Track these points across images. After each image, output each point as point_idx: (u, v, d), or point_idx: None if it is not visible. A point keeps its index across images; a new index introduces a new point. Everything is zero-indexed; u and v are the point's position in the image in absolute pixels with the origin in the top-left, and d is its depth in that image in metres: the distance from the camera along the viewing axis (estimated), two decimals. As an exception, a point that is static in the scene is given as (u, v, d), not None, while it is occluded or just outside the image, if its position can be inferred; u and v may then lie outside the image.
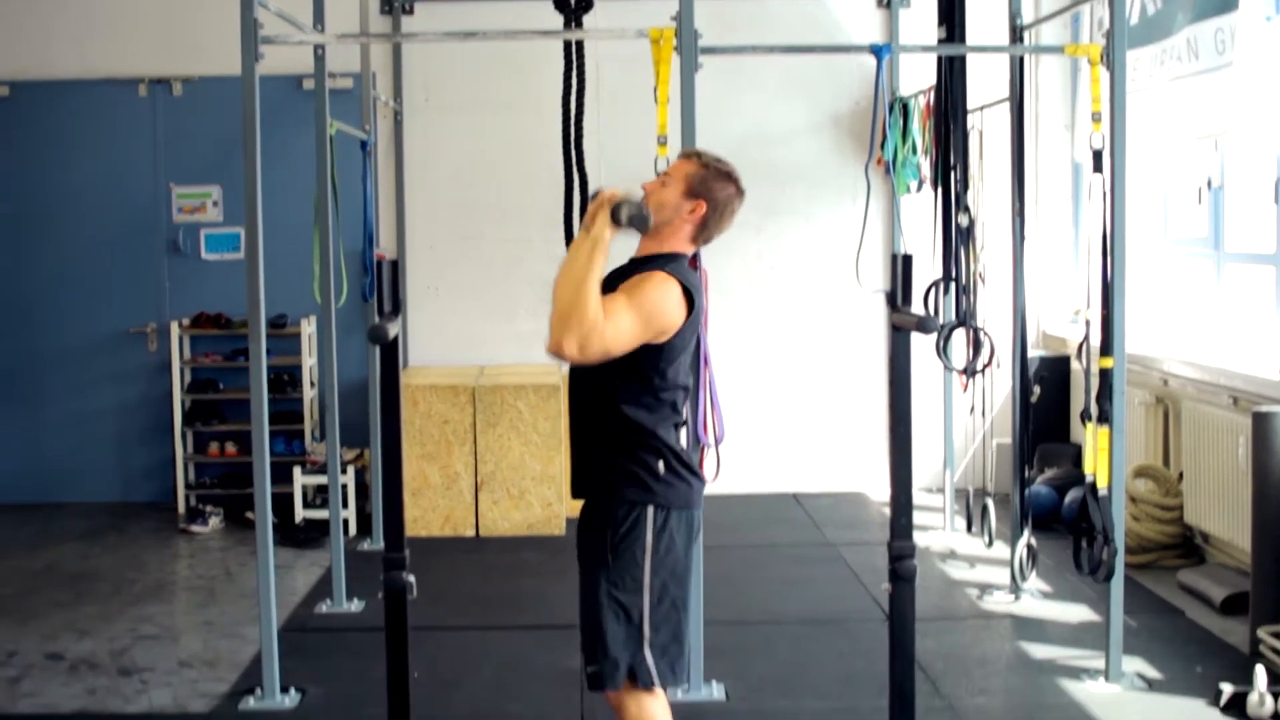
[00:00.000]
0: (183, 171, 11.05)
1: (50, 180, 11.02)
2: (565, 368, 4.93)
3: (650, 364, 4.55)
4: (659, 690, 4.69)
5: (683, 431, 4.76)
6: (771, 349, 11.23)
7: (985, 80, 8.95)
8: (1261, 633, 6.94)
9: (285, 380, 10.72)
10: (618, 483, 4.63)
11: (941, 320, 8.53)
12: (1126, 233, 6.67)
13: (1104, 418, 6.69)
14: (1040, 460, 10.21)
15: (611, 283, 4.58)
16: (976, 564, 8.95)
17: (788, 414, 11.26)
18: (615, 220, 4.39)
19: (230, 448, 10.82)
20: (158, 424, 10.99)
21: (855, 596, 8.35)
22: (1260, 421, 7.10)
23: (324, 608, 8.18)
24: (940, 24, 8.43)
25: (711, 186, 4.72)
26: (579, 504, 4.86)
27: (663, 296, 4.50)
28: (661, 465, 4.62)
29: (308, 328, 10.72)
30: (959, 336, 8.46)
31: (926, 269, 8.55)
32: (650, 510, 4.60)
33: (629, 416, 4.59)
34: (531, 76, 10.53)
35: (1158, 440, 9.14)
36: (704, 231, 4.75)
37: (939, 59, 8.62)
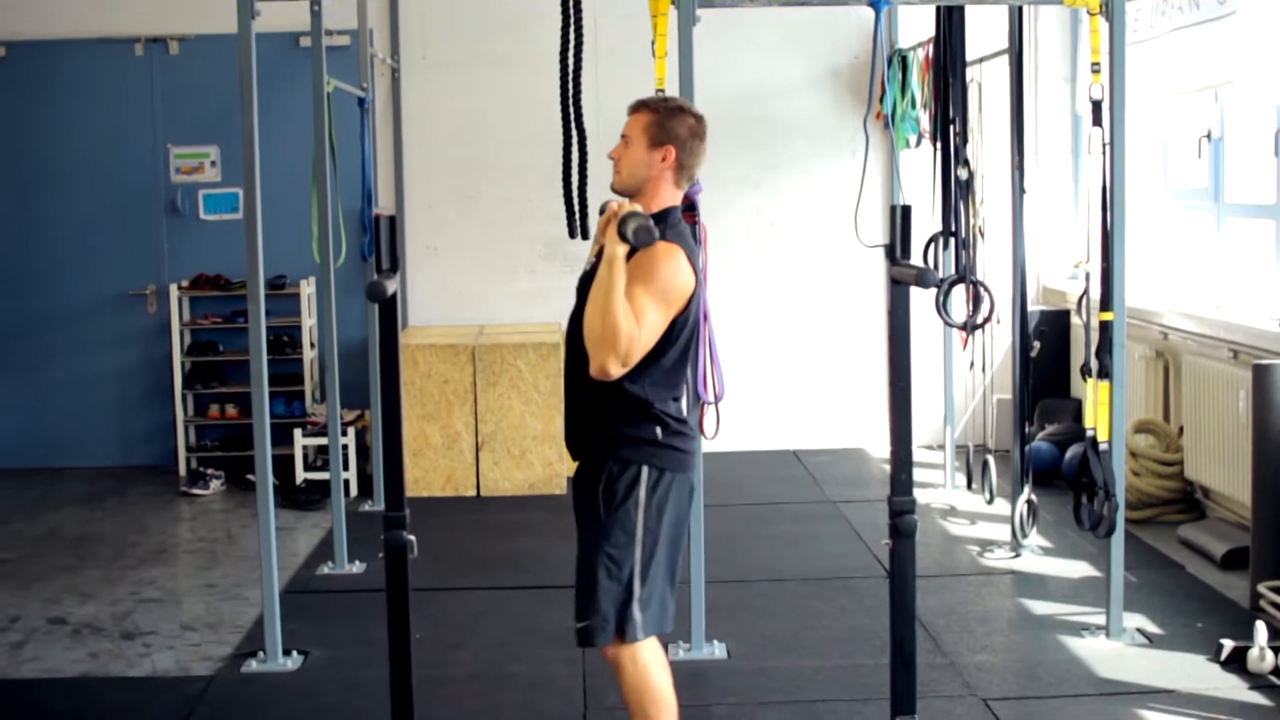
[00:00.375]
0: (180, 132, 11.00)
1: (47, 142, 10.97)
2: (565, 323, 4.93)
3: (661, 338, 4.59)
4: (651, 640, 4.74)
5: (683, 401, 4.77)
6: (771, 304, 11.20)
7: (984, 32, 8.90)
8: (1262, 588, 6.94)
9: (285, 341, 10.70)
10: (615, 443, 4.66)
11: (941, 275, 8.50)
12: (1126, 186, 6.63)
13: (1104, 372, 6.67)
14: (1041, 416, 10.19)
15: None
16: (977, 520, 8.95)
17: (787, 370, 11.24)
18: (623, 238, 4.39)
19: (231, 410, 10.81)
20: (158, 387, 10.97)
21: (856, 554, 8.35)
22: (1260, 374, 7.08)
23: (326, 569, 8.18)
24: (939, -24, 8.40)
25: (670, 127, 4.73)
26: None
27: (674, 272, 4.55)
28: (659, 430, 4.65)
29: (307, 288, 10.70)
30: (959, 291, 8.43)
31: (926, 223, 8.52)
32: (645, 470, 4.63)
33: (629, 389, 4.60)
34: (529, 32, 10.48)
35: (1158, 395, 9.13)
36: (682, 172, 4.78)
37: (938, 11, 8.58)
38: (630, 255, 4.46)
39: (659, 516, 4.65)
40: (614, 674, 4.81)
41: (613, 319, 4.35)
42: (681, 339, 4.66)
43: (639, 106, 4.83)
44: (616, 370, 4.41)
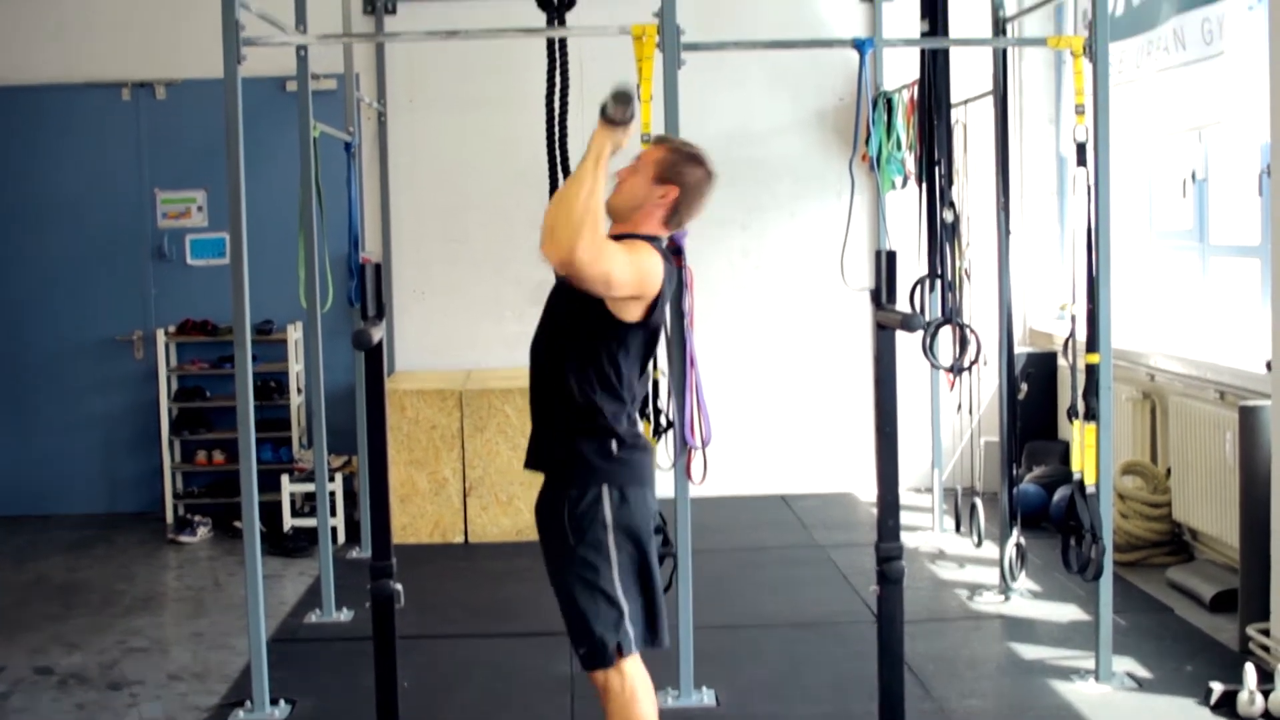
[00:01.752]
0: (167, 176, 11.00)
1: (33, 186, 10.97)
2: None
3: (613, 340, 4.66)
4: (638, 665, 4.77)
5: (635, 414, 4.85)
6: (757, 347, 11.20)
7: (969, 74, 8.93)
8: (1251, 630, 6.93)
9: (272, 387, 10.69)
10: (574, 465, 4.72)
11: (927, 317, 8.50)
12: (1111, 226, 6.64)
13: (1090, 415, 6.67)
14: (1028, 458, 10.19)
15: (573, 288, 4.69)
16: (965, 564, 8.93)
17: (775, 414, 11.23)
18: (604, 117, 4.45)
19: (218, 456, 10.78)
20: (145, 433, 10.95)
21: (845, 599, 8.32)
22: (1247, 416, 7.08)
23: (313, 617, 8.14)
24: (923, 17, 8.42)
25: (681, 170, 4.80)
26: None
27: (650, 256, 4.64)
28: (614, 444, 4.70)
29: (294, 333, 10.68)
30: (945, 334, 8.44)
31: (912, 265, 8.51)
32: (605, 489, 4.69)
33: (585, 396, 4.67)
34: (515, 75, 10.48)
35: (1145, 436, 9.12)
36: (675, 215, 4.84)
37: (922, 53, 8.60)
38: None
39: (627, 534, 4.71)
40: (600, 700, 4.82)
41: (593, 203, 4.41)
42: (634, 351, 4.71)
43: (662, 141, 5.01)
44: (582, 253, 4.38)
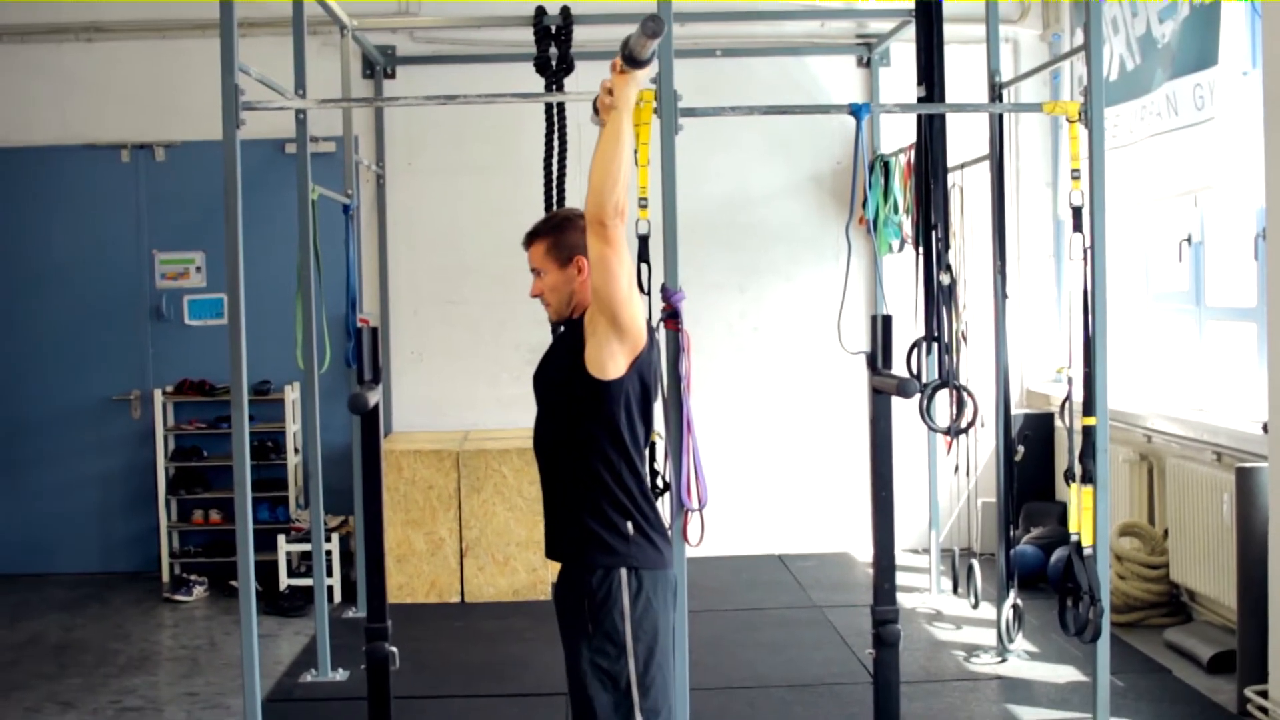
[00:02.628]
0: (166, 238, 11.03)
1: (32, 247, 11.00)
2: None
3: (606, 410, 4.57)
4: None
5: (648, 492, 4.74)
6: (755, 409, 11.21)
7: (966, 138, 8.98)
8: (1249, 692, 6.93)
9: (269, 447, 10.69)
10: (587, 547, 4.62)
11: (924, 380, 8.51)
12: (1108, 289, 6.66)
13: (1087, 477, 6.67)
14: (1026, 519, 10.18)
15: (553, 361, 4.79)
16: (963, 625, 8.92)
17: (772, 475, 11.23)
18: (631, 59, 4.43)
19: (214, 515, 10.77)
20: (141, 492, 10.93)
21: (842, 660, 8.31)
22: (1244, 477, 7.09)
23: (309, 677, 8.12)
24: (920, 83, 8.45)
25: (567, 241, 4.75)
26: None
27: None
28: (630, 526, 4.61)
29: (291, 394, 10.69)
30: (942, 396, 8.44)
31: (909, 328, 8.53)
32: (623, 573, 4.57)
33: (592, 477, 4.60)
34: (514, 138, 10.53)
35: (1142, 497, 9.12)
36: None
37: (919, 117, 8.62)
38: (569, 334, 4.56)
39: (645, 619, 4.59)
40: None
41: (624, 169, 4.44)
42: (634, 407, 4.63)
43: (529, 238, 4.86)
44: (612, 216, 4.39)
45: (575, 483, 4.64)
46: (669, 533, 4.79)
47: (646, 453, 4.77)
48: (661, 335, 5.86)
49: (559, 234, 4.76)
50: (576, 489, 4.64)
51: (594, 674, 4.56)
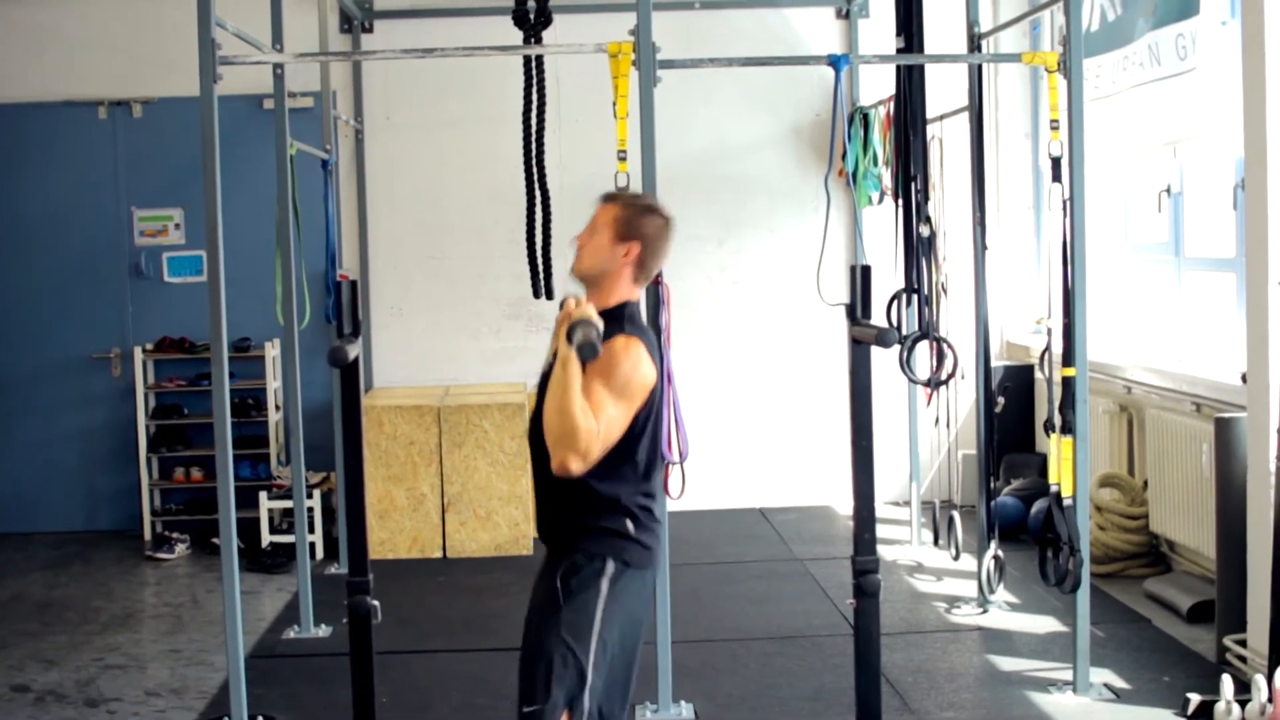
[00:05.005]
0: (144, 194, 11.00)
1: (10, 204, 10.96)
2: (532, 384, 4.89)
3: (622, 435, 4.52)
4: None
5: (655, 499, 4.71)
6: (735, 363, 11.22)
7: (945, 89, 8.95)
8: (1227, 641, 6.96)
9: (250, 404, 10.67)
10: (584, 535, 4.59)
11: (904, 332, 8.51)
12: (1087, 240, 6.68)
13: (1067, 428, 6.69)
14: (1006, 471, 10.20)
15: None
16: (944, 577, 8.95)
17: (753, 428, 11.25)
18: (569, 341, 4.33)
19: (196, 473, 10.77)
20: (122, 450, 10.92)
21: (823, 612, 8.34)
22: (1223, 428, 7.11)
23: (291, 633, 8.14)
24: (898, 34, 8.43)
25: (638, 225, 4.68)
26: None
27: (634, 365, 4.48)
28: (630, 524, 4.58)
29: (272, 350, 10.68)
30: (922, 348, 8.45)
31: (889, 280, 8.53)
32: (610, 563, 4.55)
33: (599, 487, 4.53)
34: (492, 92, 10.49)
35: (1122, 448, 9.15)
36: (643, 270, 4.70)
37: (898, 69, 8.61)
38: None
39: (618, 610, 4.57)
40: None
41: (571, 418, 4.27)
42: (647, 433, 4.58)
43: (611, 198, 4.80)
44: (578, 467, 4.31)
45: (576, 492, 4.55)
46: (662, 532, 4.77)
47: (654, 462, 4.70)
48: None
49: (634, 213, 4.71)
50: (576, 493, 4.56)
51: (559, 646, 4.53)
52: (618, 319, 4.55)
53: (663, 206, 4.83)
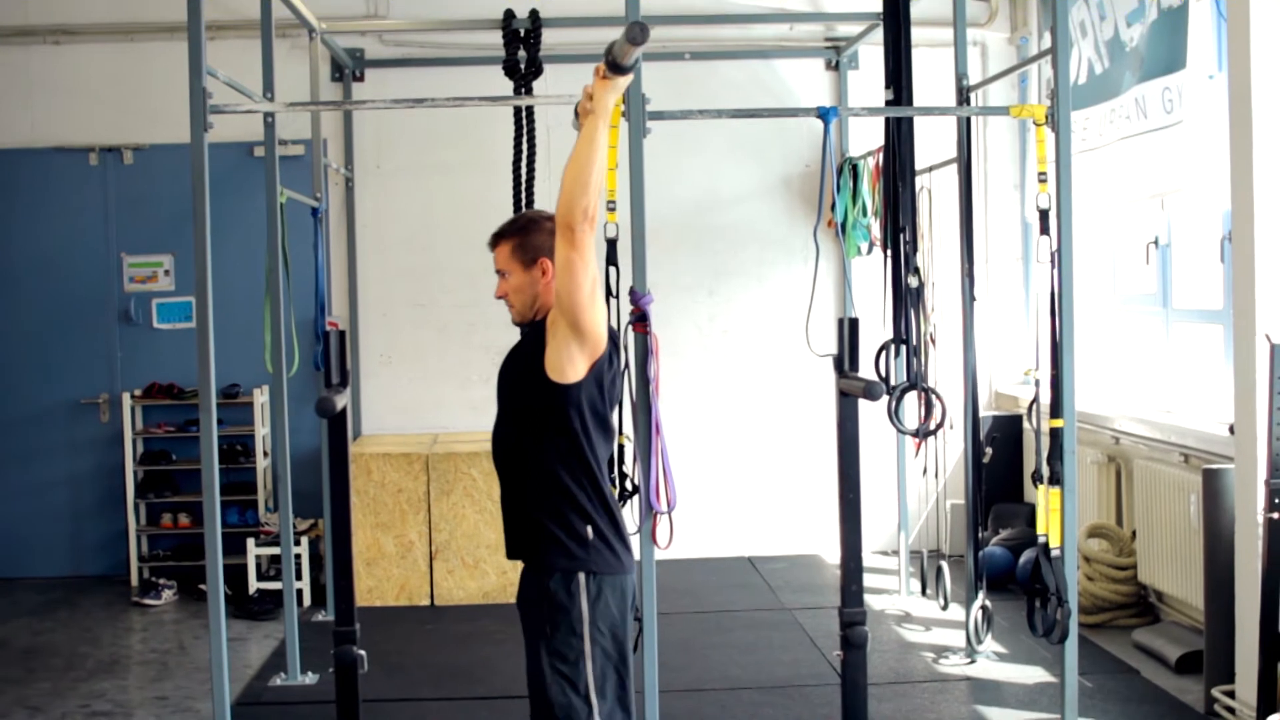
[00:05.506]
0: (134, 241, 11.00)
1: (0, 249, 10.95)
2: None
3: (563, 412, 4.56)
4: None
5: (608, 496, 4.74)
6: (724, 412, 11.22)
7: (934, 140, 9.00)
8: (1216, 692, 6.96)
9: (238, 450, 10.67)
10: (545, 550, 4.64)
11: (893, 382, 8.52)
12: (1075, 292, 6.69)
13: (1055, 479, 6.70)
14: (994, 521, 10.21)
15: (514, 363, 4.75)
16: (932, 626, 8.94)
17: (741, 477, 11.24)
18: (615, 65, 4.39)
19: (184, 519, 10.74)
20: (110, 496, 10.89)
21: (811, 661, 8.32)
22: (1210, 479, 7.13)
23: (278, 680, 8.11)
24: (887, 86, 8.46)
25: (533, 243, 4.74)
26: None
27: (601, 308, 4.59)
28: (589, 530, 4.62)
29: (260, 397, 10.66)
30: (910, 398, 8.46)
31: (877, 330, 8.55)
32: (582, 578, 4.59)
33: (550, 479, 4.60)
34: (483, 140, 10.53)
35: (1110, 499, 9.16)
36: None
37: (887, 120, 8.63)
38: (532, 336, 4.54)
39: (602, 624, 4.61)
40: None
41: (594, 173, 4.44)
42: (591, 410, 4.62)
43: (495, 239, 4.85)
44: (580, 219, 4.39)
45: (533, 485, 4.64)
46: (628, 538, 4.79)
47: (606, 457, 4.75)
48: (630, 339, 5.87)
49: (524, 235, 4.76)
50: (534, 492, 4.64)
51: (553, 676, 4.58)
52: None
53: (538, 211, 4.93)
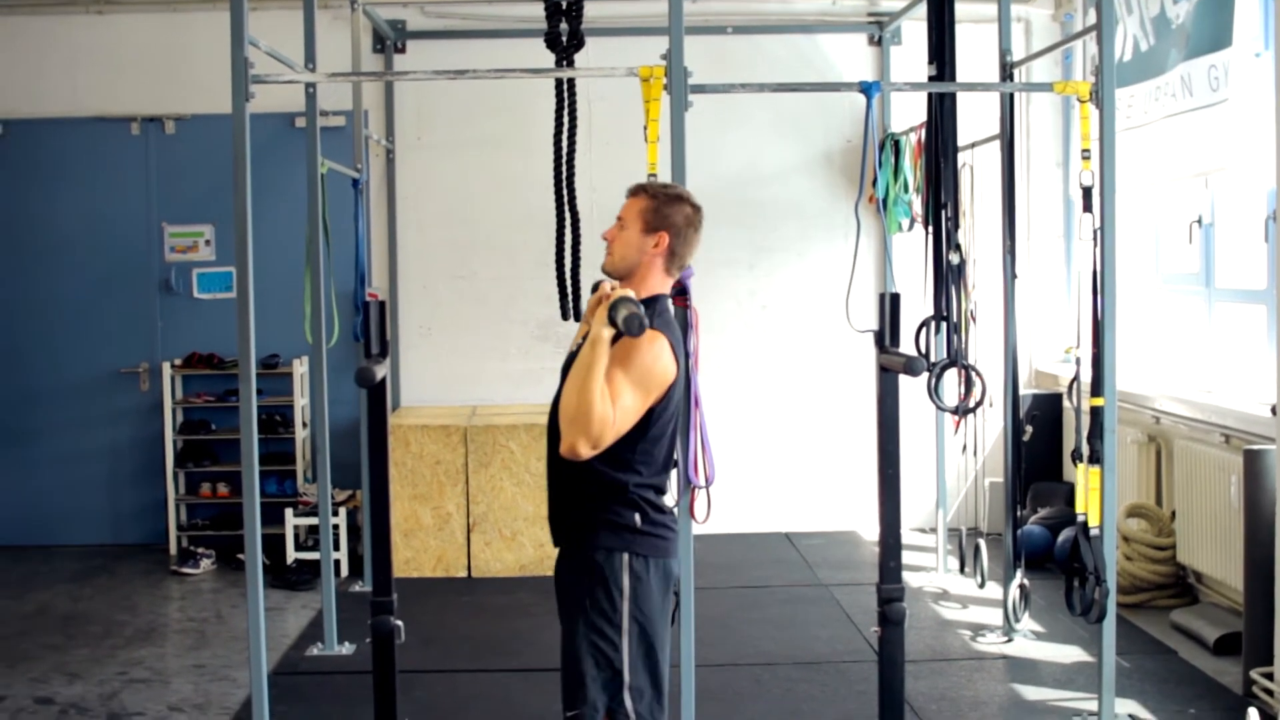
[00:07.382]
0: (175, 210, 11.03)
1: (42, 219, 11.01)
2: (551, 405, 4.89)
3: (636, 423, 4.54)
4: None
5: (666, 491, 4.74)
6: (764, 387, 11.20)
7: (976, 117, 8.96)
8: (1254, 674, 6.92)
9: (277, 420, 10.70)
10: (594, 532, 4.63)
11: (933, 359, 8.49)
12: (1117, 270, 6.65)
13: (1095, 457, 6.66)
14: (1033, 499, 10.17)
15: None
16: (969, 604, 8.92)
17: (780, 453, 11.23)
18: (612, 323, 4.35)
19: (222, 489, 10.78)
20: (149, 465, 10.95)
21: (848, 637, 8.31)
22: (1251, 459, 7.09)
23: (315, 650, 8.14)
24: (930, 61, 8.41)
25: (666, 214, 4.70)
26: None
27: (655, 359, 4.50)
28: (638, 518, 4.61)
29: (300, 367, 10.69)
30: (950, 375, 8.43)
31: (918, 307, 8.51)
32: (626, 557, 4.58)
33: (608, 473, 4.58)
34: (524, 114, 10.50)
35: (1150, 479, 9.12)
36: (674, 260, 4.74)
37: (930, 96, 8.59)
38: (615, 340, 4.44)
39: (642, 602, 4.60)
40: None
41: (588, 399, 4.31)
42: (660, 426, 4.61)
43: (638, 190, 4.80)
44: (586, 451, 4.35)
45: (587, 475, 4.60)
46: (675, 523, 4.78)
47: (661, 456, 4.72)
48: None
49: (662, 203, 4.73)
50: (589, 482, 4.61)
51: (589, 650, 4.58)
52: (648, 313, 4.53)
53: (690, 195, 4.85)
